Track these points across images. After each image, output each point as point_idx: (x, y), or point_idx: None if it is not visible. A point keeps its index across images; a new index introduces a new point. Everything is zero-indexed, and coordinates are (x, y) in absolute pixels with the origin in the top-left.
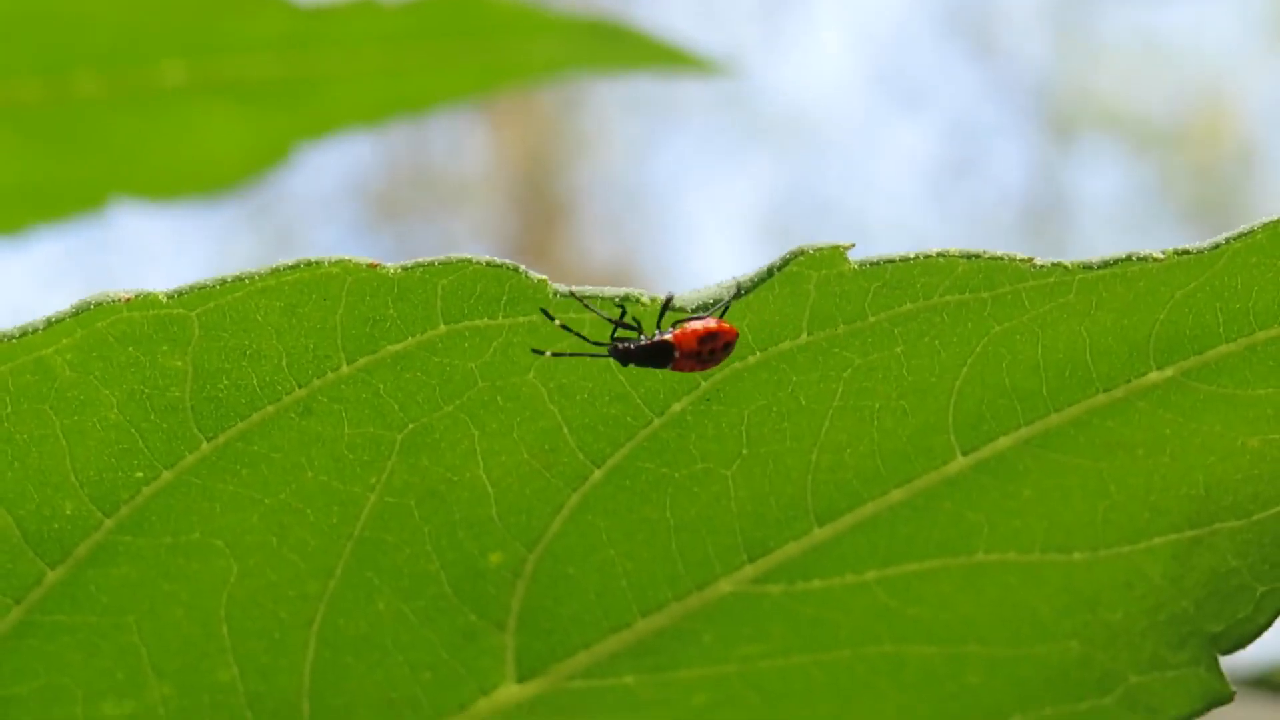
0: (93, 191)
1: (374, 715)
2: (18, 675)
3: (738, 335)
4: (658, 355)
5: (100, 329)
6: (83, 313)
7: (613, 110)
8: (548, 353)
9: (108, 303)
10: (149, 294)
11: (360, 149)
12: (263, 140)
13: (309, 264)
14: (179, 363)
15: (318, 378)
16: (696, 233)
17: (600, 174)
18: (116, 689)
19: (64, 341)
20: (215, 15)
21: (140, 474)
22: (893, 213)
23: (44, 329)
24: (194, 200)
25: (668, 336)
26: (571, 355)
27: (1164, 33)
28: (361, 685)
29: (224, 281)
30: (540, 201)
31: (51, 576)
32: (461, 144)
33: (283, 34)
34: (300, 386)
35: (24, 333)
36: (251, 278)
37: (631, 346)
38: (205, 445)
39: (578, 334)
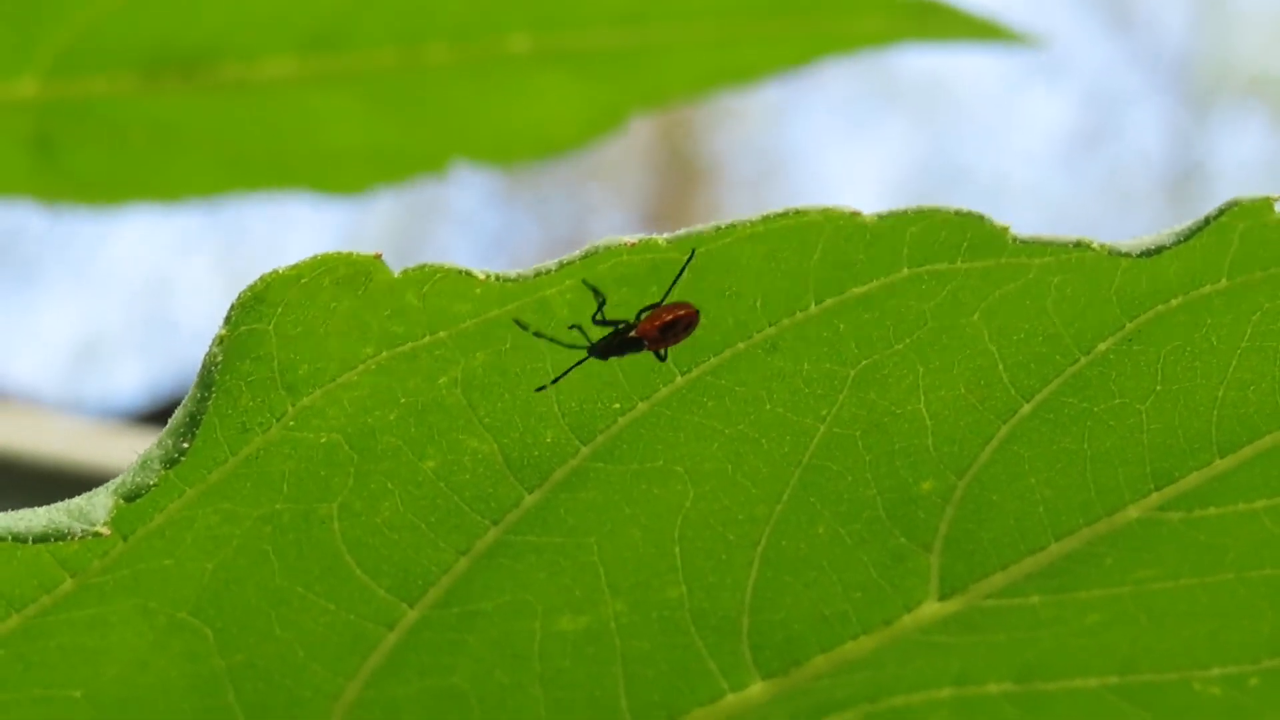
0: (434, 155)
1: (806, 630)
2: (487, 591)
3: (698, 313)
4: (628, 346)
5: (601, 271)
6: (590, 256)
7: None
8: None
9: (614, 247)
10: (651, 239)
11: None
12: (597, 108)
13: (797, 212)
14: None
15: (787, 317)
16: (833, 198)
17: (738, 139)
18: (574, 605)
19: (567, 283)
20: None
21: (617, 405)
22: (1028, 179)
23: (556, 270)
24: (528, 163)
25: (633, 333)
26: (566, 373)
27: None
28: (797, 602)
29: (718, 228)
30: (678, 167)
31: (528, 500)
32: None
33: (622, 7)
34: (770, 325)
35: (538, 274)
36: (742, 225)
37: (605, 344)
38: (679, 379)
39: (550, 338)
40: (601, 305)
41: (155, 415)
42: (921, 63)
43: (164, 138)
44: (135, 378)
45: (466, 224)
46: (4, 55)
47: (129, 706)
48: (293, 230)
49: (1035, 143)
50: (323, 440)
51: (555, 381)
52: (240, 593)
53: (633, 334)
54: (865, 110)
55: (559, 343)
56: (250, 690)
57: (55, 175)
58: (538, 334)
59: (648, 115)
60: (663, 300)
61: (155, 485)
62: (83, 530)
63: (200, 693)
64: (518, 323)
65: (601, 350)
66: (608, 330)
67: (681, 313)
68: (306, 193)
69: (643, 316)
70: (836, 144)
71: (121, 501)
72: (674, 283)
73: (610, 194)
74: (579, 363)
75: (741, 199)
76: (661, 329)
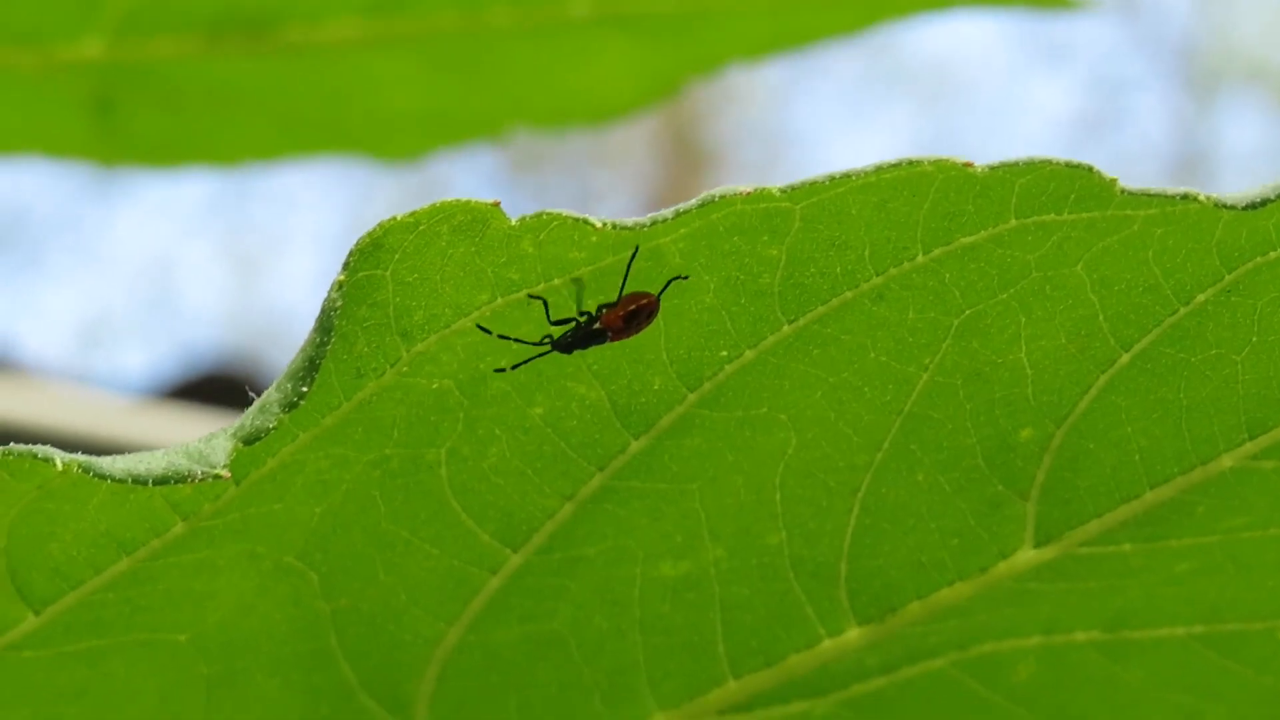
0: (492, 119)
1: (903, 577)
2: (589, 537)
3: (657, 301)
4: (591, 339)
5: (715, 220)
6: (706, 204)
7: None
8: (507, 368)
9: (729, 195)
10: (765, 189)
11: None
12: (654, 73)
13: (910, 163)
14: (775, 251)
15: (894, 267)
16: None
17: (742, 123)
18: (674, 551)
19: (681, 231)
20: None
21: (725, 353)
22: None
23: (671, 219)
24: (583, 128)
25: (596, 325)
26: (526, 361)
27: None
28: (895, 549)
29: (831, 178)
30: (682, 152)
31: (634, 446)
32: None
33: None
34: (877, 275)
35: (654, 222)
36: (855, 174)
37: (569, 339)
38: (786, 328)
39: (517, 339)
40: (546, 307)
41: (164, 394)
42: (926, 45)
43: (224, 101)
44: (141, 356)
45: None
46: (70, 17)
47: (232, 651)
48: (296, 212)
49: (1039, 127)
50: (434, 386)
51: (515, 368)
52: (346, 537)
53: (597, 326)
54: (869, 93)
55: (525, 342)
56: (352, 635)
57: (114, 137)
58: (501, 336)
59: (703, 82)
60: (620, 292)
61: (273, 429)
62: (202, 473)
63: (303, 637)
64: (531, 296)
65: (565, 345)
66: (568, 326)
67: (644, 301)
68: (363, 157)
69: (603, 310)
70: (841, 127)
71: (240, 445)
72: (625, 275)
73: (614, 179)
74: (541, 354)
75: (745, 183)
76: (626, 319)
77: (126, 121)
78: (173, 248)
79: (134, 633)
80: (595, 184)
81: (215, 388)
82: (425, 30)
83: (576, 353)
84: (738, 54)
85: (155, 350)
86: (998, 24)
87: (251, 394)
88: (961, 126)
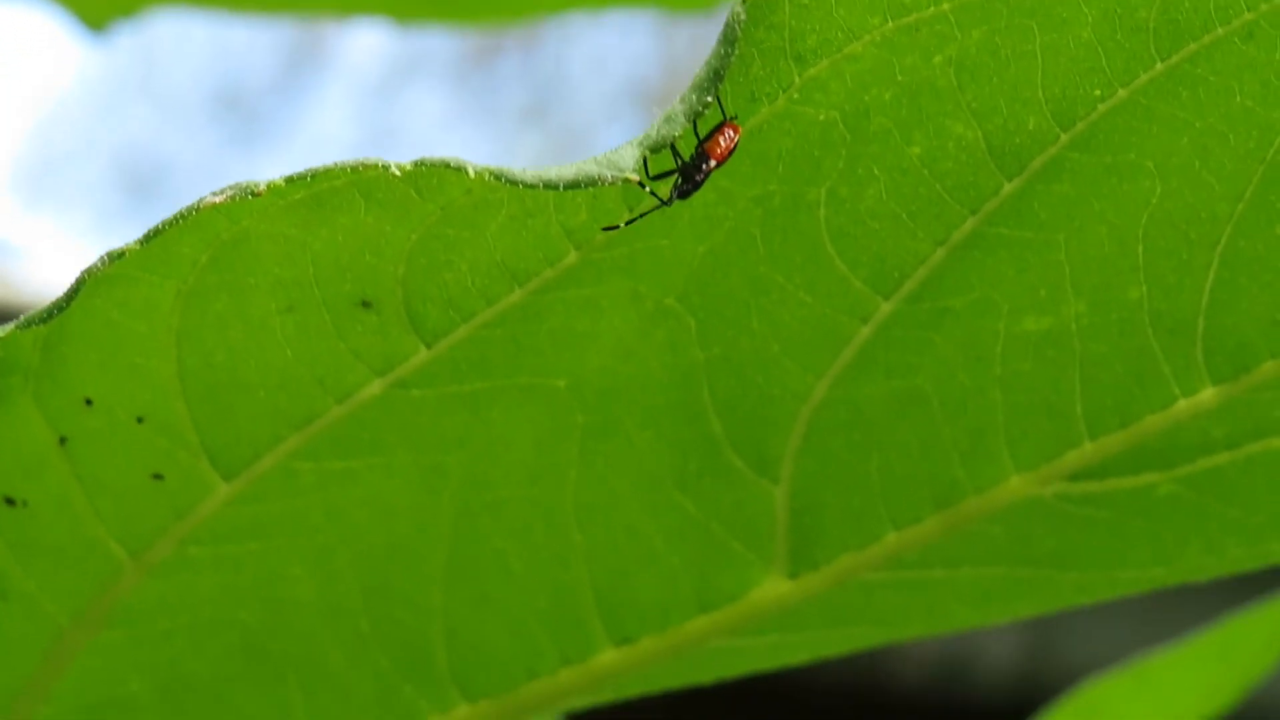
0: None
1: (1258, 336)
2: (957, 287)
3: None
4: (699, 171)
5: None
6: None
7: None
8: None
9: None
10: None
11: (642, 49)
12: None
13: None
14: None
15: (1265, 3)
16: None
17: None
18: (1038, 305)
19: None
20: None
21: (1098, 92)
22: None
23: None
24: None
25: (711, 165)
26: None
27: None
28: (1252, 306)
29: None
30: None
31: (1007, 189)
32: None
33: None
34: (1249, 10)
35: None
36: None
37: (687, 187)
38: (1159, 65)
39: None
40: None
41: None
42: None
43: None
44: None
45: (608, 69)
46: None
47: (609, 399)
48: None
49: None
50: (821, 117)
51: (629, 223)
52: (725, 280)
53: (710, 164)
54: None
55: (646, 204)
56: (724, 387)
57: None
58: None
59: None
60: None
61: (679, 137)
62: (612, 176)
63: (677, 387)
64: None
65: (683, 190)
66: (674, 175)
67: (734, 131)
68: (659, 7)
69: (705, 146)
70: None
71: (648, 152)
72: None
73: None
74: (657, 207)
75: None
76: (729, 152)
77: None
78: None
79: (517, 375)
80: None
81: None
82: None
83: (956, 89)
84: None
85: None
86: None
87: None
88: None
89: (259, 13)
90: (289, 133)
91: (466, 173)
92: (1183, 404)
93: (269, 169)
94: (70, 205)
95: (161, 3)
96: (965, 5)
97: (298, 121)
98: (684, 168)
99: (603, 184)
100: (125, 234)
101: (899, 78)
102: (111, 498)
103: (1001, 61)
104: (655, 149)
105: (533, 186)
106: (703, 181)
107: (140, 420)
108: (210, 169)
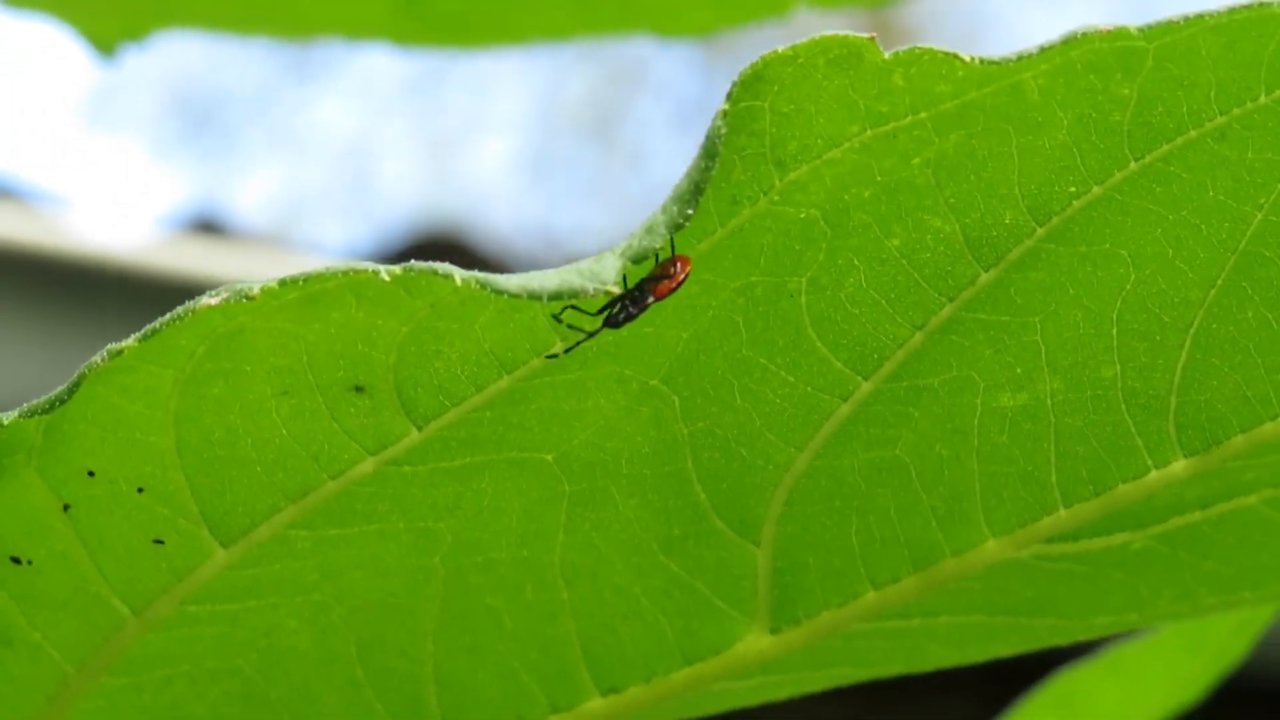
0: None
1: (1229, 411)
2: (935, 367)
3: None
4: (638, 310)
5: (1074, 57)
6: (1068, 41)
7: None
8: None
9: (1089, 33)
10: (1123, 28)
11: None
12: None
13: (1261, 4)
14: (1127, 90)
15: (1237, 107)
16: None
17: (941, 3)
18: (1014, 382)
19: (1042, 68)
20: None
21: (1073, 189)
22: None
23: (1035, 54)
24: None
25: (649, 300)
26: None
27: None
28: (1222, 384)
29: (1185, 19)
30: (880, 31)
31: (983, 278)
32: None
33: None
34: (1221, 114)
35: (1019, 57)
36: (1208, 16)
37: (621, 317)
38: (1133, 164)
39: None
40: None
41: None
42: None
43: None
44: (338, 231)
45: (664, 91)
46: None
47: (594, 471)
48: (486, 98)
49: None
50: (802, 215)
51: (567, 352)
52: (709, 362)
53: (649, 300)
54: None
55: (578, 330)
56: (707, 458)
57: (415, 19)
58: (568, 331)
59: None
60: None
61: (659, 251)
62: (594, 288)
63: (661, 459)
64: (555, 318)
65: (618, 321)
66: (613, 307)
67: (682, 265)
68: (653, 35)
69: (647, 285)
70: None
71: (629, 264)
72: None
73: None
74: (592, 334)
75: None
76: (670, 291)
77: (427, 2)
78: (367, 131)
79: (505, 450)
80: None
81: (423, 257)
82: None
83: (935, 186)
84: None
85: (350, 226)
86: None
87: (480, 256)
88: (1162, 4)
89: (263, 36)
90: (342, 65)
91: (453, 279)
92: (1155, 474)
93: (322, 101)
94: (127, 135)
95: (168, 26)
96: (942, 113)
97: (351, 53)
98: (626, 295)
99: (584, 295)
100: (181, 164)
101: (878, 178)
102: (114, 559)
103: (978, 162)
104: (637, 260)
105: (516, 296)
106: (638, 314)
107: (141, 490)
108: (265, 100)
